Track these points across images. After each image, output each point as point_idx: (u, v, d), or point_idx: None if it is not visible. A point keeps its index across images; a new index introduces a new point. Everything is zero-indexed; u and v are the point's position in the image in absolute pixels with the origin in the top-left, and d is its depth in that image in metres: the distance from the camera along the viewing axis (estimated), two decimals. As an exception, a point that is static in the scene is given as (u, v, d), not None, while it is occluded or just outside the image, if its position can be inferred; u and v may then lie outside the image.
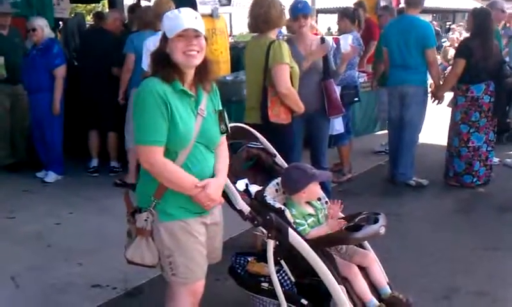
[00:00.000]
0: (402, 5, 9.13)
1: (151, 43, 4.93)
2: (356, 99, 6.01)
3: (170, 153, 2.31)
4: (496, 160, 6.59)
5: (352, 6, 7.13)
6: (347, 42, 4.80)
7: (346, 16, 6.16)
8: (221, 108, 2.49)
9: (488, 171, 5.86)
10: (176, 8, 2.50)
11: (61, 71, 5.67)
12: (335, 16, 7.49)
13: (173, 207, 2.35)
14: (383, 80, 6.49)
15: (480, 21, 5.49)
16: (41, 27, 5.61)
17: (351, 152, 6.37)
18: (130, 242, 2.43)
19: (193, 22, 2.28)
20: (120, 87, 5.62)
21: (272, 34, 3.95)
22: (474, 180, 5.76)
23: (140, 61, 5.35)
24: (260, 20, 3.88)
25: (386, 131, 7.84)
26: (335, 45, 4.90)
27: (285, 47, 3.82)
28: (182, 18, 2.27)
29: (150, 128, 2.23)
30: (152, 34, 5.33)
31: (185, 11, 2.31)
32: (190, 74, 2.36)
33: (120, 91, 5.62)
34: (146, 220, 2.34)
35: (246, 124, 3.49)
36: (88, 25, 9.18)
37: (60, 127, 5.87)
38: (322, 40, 4.47)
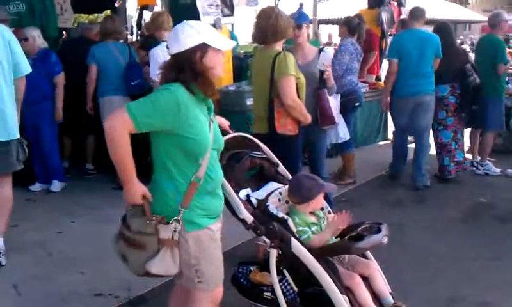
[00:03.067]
0: (403, 16, 9.28)
1: (159, 53, 5.23)
2: (358, 104, 6.08)
3: (193, 163, 2.33)
4: (497, 170, 6.66)
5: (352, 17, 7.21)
6: (323, 61, 4.41)
7: (345, 24, 6.29)
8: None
9: (456, 167, 6.33)
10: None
11: (61, 79, 5.72)
12: (336, 27, 7.54)
13: (199, 216, 2.37)
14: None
15: (442, 34, 6.12)
16: (34, 37, 5.62)
17: (353, 163, 6.44)
18: (150, 255, 2.31)
19: None
20: (87, 98, 5.90)
21: (278, 46, 3.96)
22: (445, 173, 6.32)
23: (105, 71, 5.76)
24: (269, 31, 3.88)
25: (387, 141, 7.98)
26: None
27: (291, 59, 3.83)
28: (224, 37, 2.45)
29: (146, 111, 2.25)
30: (115, 44, 5.87)
31: None
32: None
33: (88, 102, 5.90)
34: (174, 230, 2.30)
35: (253, 134, 3.52)
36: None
37: (56, 135, 5.92)
38: (321, 51, 4.47)
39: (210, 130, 2.40)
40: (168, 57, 2.42)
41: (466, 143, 6.90)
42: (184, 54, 2.33)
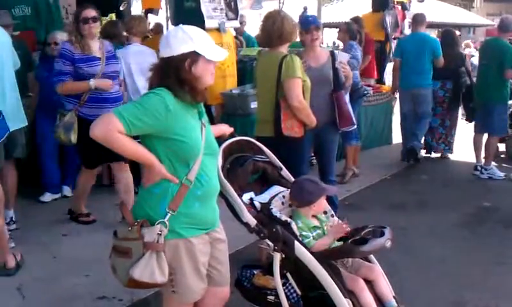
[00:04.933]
0: (407, 19, 9.37)
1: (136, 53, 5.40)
2: (366, 92, 6.66)
3: (184, 166, 2.33)
4: (502, 174, 6.66)
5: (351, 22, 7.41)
6: (341, 59, 4.58)
7: (347, 31, 6.56)
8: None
9: (441, 147, 7.65)
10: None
11: None
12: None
13: (181, 224, 2.34)
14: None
15: (445, 39, 7.41)
16: (63, 41, 5.55)
17: (357, 155, 6.70)
18: (134, 262, 2.27)
19: None
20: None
21: (284, 49, 3.98)
22: (428, 150, 7.78)
23: None
24: (275, 35, 3.90)
25: (389, 145, 8.10)
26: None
27: (298, 61, 3.85)
28: (218, 47, 2.43)
29: (134, 112, 2.22)
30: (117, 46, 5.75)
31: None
32: None
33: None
34: (159, 233, 2.27)
35: (258, 137, 3.53)
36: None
37: None
38: (332, 54, 4.49)
39: (202, 134, 2.38)
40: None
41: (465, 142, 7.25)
42: (173, 59, 2.31)
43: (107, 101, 4.52)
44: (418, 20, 7.27)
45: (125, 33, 5.95)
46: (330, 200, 3.11)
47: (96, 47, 4.56)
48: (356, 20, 7.41)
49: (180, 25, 2.39)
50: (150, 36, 9.19)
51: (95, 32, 4.53)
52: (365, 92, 6.61)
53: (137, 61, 5.33)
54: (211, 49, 2.37)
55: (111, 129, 2.18)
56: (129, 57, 5.36)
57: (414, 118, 7.23)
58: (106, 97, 4.53)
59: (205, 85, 2.39)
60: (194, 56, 2.31)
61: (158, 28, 10.26)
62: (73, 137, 4.45)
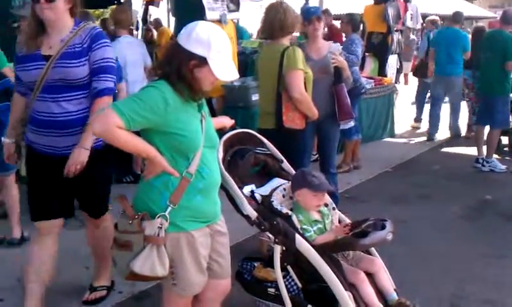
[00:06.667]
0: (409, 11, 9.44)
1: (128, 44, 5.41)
2: (363, 90, 6.53)
3: (184, 159, 2.31)
4: (503, 167, 6.64)
5: (357, 13, 7.52)
6: (331, 50, 4.46)
7: (350, 22, 6.55)
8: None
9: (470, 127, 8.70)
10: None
11: None
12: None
13: (182, 217, 2.33)
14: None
15: (476, 35, 8.49)
16: None
17: (357, 149, 6.70)
18: (132, 254, 2.27)
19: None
20: None
21: (286, 40, 3.96)
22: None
23: None
24: (276, 26, 3.88)
25: (390, 139, 8.27)
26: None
27: (299, 53, 3.83)
28: (232, 65, 2.38)
29: (133, 107, 2.20)
30: None
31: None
32: None
33: None
34: (160, 227, 2.26)
35: (260, 129, 3.51)
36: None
37: None
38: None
39: (201, 126, 2.37)
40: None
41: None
42: (183, 50, 2.28)
43: (53, 125, 2.87)
44: (454, 17, 8.54)
45: (112, 27, 5.91)
46: (331, 192, 3.09)
47: (57, 38, 2.86)
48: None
49: (212, 26, 2.34)
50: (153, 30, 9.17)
51: (50, 17, 2.79)
52: (364, 90, 6.49)
53: (131, 52, 5.38)
54: (222, 66, 2.31)
55: (110, 124, 2.16)
56: (124, 49, 5.36)
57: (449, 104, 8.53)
58: (50, 119, 2.87)
59: (201, 88, 2.35)
60: (202, 62, 2.28)
61: (157, 23, 10.27)
62: (23, 169, 3.15)
